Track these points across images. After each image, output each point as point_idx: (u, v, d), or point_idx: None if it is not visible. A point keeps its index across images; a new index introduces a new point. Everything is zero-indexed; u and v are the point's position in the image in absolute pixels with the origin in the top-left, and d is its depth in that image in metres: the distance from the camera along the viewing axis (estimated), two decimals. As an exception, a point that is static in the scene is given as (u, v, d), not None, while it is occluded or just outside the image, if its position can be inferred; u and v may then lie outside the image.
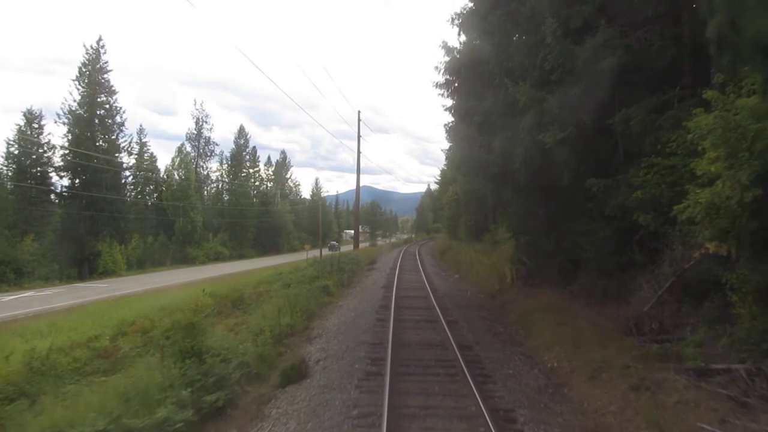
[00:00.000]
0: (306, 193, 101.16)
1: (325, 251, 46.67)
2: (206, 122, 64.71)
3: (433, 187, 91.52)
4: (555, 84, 10.04)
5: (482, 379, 6.94)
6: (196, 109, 65.81)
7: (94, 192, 40.49)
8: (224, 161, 69.57)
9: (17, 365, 9.62)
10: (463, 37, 13.04)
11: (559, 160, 10.17)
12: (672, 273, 9.00)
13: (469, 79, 12.79)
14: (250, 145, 74.72)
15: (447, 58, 13.50)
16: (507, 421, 5.53)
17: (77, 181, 41.12)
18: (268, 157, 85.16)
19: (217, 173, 70.31)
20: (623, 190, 9.53)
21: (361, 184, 46.67)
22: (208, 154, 64.75)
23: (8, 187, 39.53)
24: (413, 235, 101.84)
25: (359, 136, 43.46)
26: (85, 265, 39.82)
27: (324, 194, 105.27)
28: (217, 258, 59.18)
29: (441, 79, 13.15)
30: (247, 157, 74.33)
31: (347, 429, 5.36)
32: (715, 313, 7.95)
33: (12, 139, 38.99)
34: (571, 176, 10.44)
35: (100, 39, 45.85)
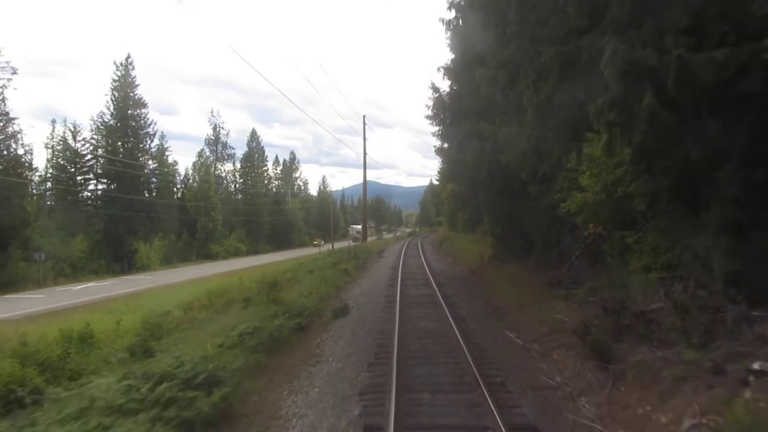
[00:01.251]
0: (313, 189, 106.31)
1: (344, 244, 51.19)
2: (222, 128, 69.85)
3: (435, 182, 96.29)
4: (503, 123, 14.92)
5: (452, 308, 11.93)
6: (213, 116, 70.89)
7: (132, 195, 45.70)
8: (235, 161, 74.97)
9: (135, 325, 14.44)
10: (446, 83, 17.93)
11: (511, 174, 15.06)
12: (579, 246, 13.97)
13: (451, 112, 17.73)
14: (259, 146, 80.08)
15: (436, 95, 18.47)
16: (462, 321, 10.52)
17: (115, 185, 46.33)
18: (276, 157, 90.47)
19: (230, 174, 75.56)
20: (551, 193, 14.42)
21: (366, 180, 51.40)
22: (225, 157, 69.88)
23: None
24: (417, 229, 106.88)
25: (365, 139, 48.22)
26: (124, 261, 45.04)
27: (328, 189, 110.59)
28: (236, 253, 64.31)
29: (430, 113, 18.10)
30: (257, 156, 79.38)
31: (379, 323, 10.41)
32: (602, 271, 12.84)
33: (57, 148, 44.13)
34: (519, 184, 15.35)
35: (128, 56, 50.93)
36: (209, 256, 59.73)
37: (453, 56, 17.13)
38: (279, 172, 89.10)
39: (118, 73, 50.07)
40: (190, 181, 62.79)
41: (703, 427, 4.66)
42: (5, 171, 30.74)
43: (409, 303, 12.87)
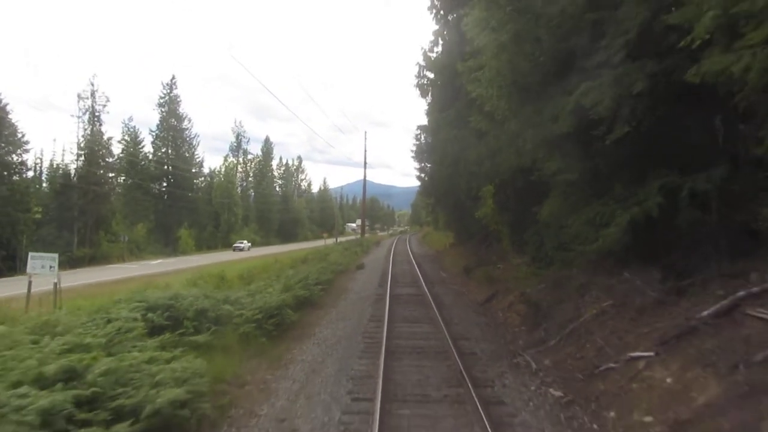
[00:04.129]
0: (313, 187, 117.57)
1: (344, 239, 62.38)
2: (244, 137, 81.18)
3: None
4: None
5: (419, 266, 23.47)
6: (236, 126, 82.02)
7: (177, 192, 56.89)
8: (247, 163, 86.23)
9: (233, 277, 25.64)
10: (424, 137, 29.36)
11: (457, 194, 26.53)
12: (489, 235, 25.46)
13: (427, 155, 29.16)
14: (249, 138, 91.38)
15: (417, 143, 29.94)
16: (421, 268, 22.06)
17: (164, 185, 57.47)
18: (280, 158, 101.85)
19: (243, 174, 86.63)
20: (477, 207, 25.87)
21: (358, 179, 62.80)
22: (246, 162, 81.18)
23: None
24: (408, 228, 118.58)
25: (365, 151, 59.53)
26: (170, 246, 56.10)
27: (328, 190, 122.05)
28: (252, 244, 75.33)
29: (413, 155, 29.58)
30: (262, 160, 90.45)
31: (381, 270, 21.90)
32: (499, 245, 24.38)
33: (121, 154, 55.09)
34: (463, 200, 26.83)
35: (173, 77, 62.02)
36: (231, 245, 70.69)
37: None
38: (282, 171, 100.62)
39: (163, 92, 61.30)
40: (215, 180, 73.82)
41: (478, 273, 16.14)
42: (104, 176, 41.90)
43: (397, 263, 24.44)
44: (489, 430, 5.02)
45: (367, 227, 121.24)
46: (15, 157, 36.04)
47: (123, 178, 53.18)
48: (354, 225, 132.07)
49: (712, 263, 7.29)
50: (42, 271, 18.31)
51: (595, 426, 5.59)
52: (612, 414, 5.77)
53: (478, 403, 5.70)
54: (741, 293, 6.30)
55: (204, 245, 66.72)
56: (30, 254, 21.35)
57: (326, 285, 16.50)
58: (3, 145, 35.34)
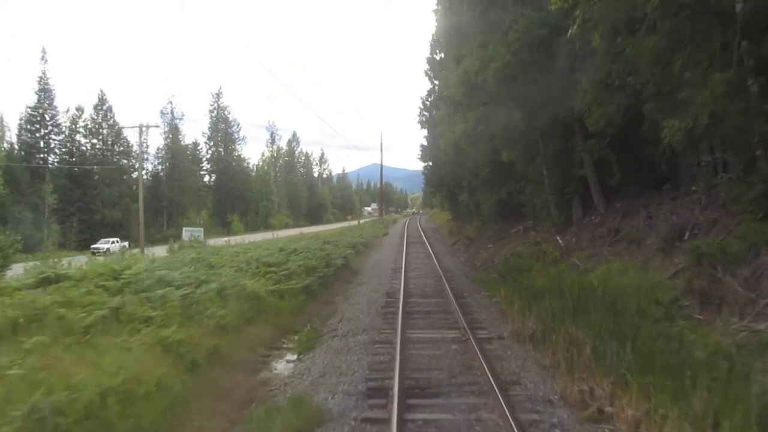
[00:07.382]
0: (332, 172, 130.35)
1: (362, 221, 75.02)
2: (277, 134, 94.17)
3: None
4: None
5: (425, 232, 36.28)
6: (269, 125, 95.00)
7: (229, 184, 70.15)
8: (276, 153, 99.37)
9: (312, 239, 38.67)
10: (427, 144, 41.85)
11: (449, 185, 39.13)
12: (470, 212, 38.07)
13: (428, 155, 41.69)
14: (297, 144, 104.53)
15: (421, 150, 42.49)
16: (426, 233, 34.87)
17: (219, 177, 70.66)
18: (301, 149, 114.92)
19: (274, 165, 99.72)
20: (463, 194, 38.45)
21: (371, 163, 75.28)
22: (279, 155, 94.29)
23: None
24: (419, 210, 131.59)
25: (381, 145, 72.05)
26: (226, 228, 69.41)
27: (336, 171, 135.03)
28: (286, 226, 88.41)
29: (420, 157, 42.21)
30: (286, 152, 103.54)
31: (400, 234, 34.82)
32: (473, 218, 37.10)
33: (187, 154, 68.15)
34: (452, 189, 39.44)
35: (220, 88, 74.75)
36: (269, 227, 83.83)
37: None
38: (303, 160, 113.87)
39: (212, 101, 74.28)
40: (253, 172, 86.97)
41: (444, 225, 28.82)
42: (186, 170, 55.15)
43: (410, 230, 37.25)
44: (435, 260, 17.82)
45: (383, 210, 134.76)
46: (128, 162, 49.37)
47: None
48: (369, 208, 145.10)
49: (523, 216, 19.96)
50: (190, 238, 32.02)
51: (468, 263, 18.40)
52: (476, 262, 18.57)
53: (434, 257, 18.55)
54: (525, 224, 18.97)
55: (248, 228, 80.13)
56: (183, 228, 35.79)
57: (372, 239, 29.33)
58: (118, 156, 48.62)
